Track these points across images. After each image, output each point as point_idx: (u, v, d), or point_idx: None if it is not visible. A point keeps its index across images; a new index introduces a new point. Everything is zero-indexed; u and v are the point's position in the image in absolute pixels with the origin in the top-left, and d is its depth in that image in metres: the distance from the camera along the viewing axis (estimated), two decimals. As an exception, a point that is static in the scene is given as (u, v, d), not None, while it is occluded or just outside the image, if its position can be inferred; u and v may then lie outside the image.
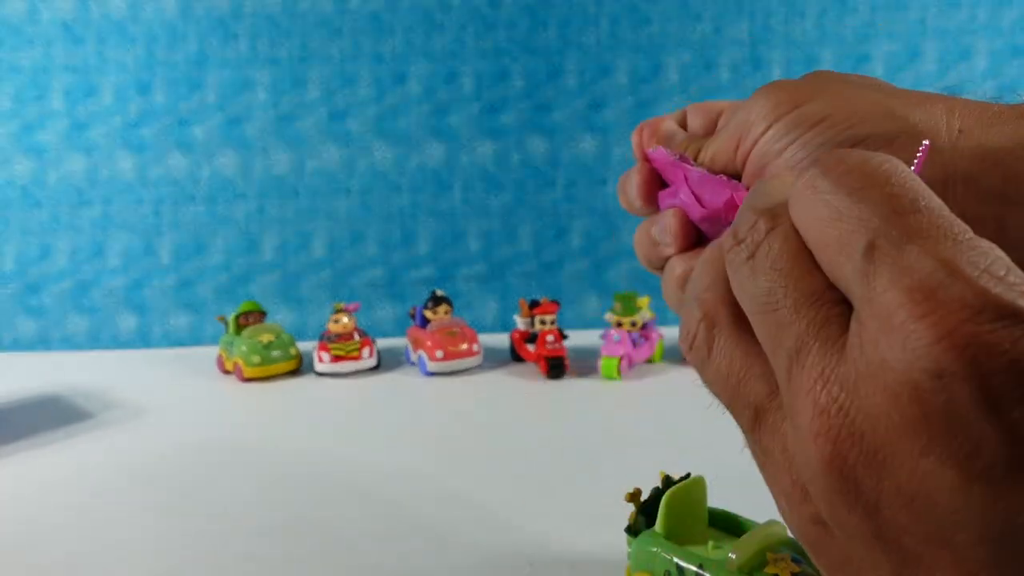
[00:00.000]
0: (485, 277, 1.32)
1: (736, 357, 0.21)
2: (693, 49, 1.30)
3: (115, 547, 0.58)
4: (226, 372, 1.08)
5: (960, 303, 0.16)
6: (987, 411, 0.15)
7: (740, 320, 0.21)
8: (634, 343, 1.01)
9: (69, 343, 1.29)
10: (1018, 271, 0.16)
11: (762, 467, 0.21)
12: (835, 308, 0.19)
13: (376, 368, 1.08)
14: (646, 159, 0.40)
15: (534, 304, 1.08)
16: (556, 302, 1.07)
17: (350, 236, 1.32)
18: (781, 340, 0.19)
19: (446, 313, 1.10)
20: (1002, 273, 0.16)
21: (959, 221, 0.17)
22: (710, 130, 0.39)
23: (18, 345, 1.29)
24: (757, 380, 0.21)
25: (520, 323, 1.09)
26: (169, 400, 0.97)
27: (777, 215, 0.21)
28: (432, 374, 1.03)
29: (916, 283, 0.16)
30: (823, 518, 0.18)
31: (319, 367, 1.05)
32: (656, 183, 0.39)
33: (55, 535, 0.60)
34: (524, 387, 0.98)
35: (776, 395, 0.20)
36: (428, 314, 1.10)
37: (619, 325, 1.03)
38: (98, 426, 0.88)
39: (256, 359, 1.03)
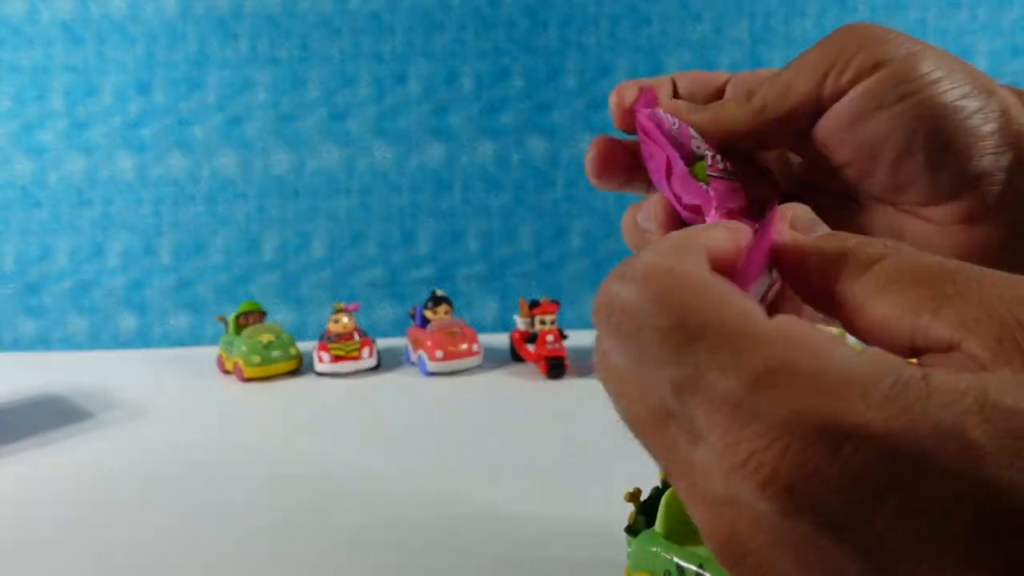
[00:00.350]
0: (485, 277, 1.32)
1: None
2: (693, 49, 1.30)
3: (115, 547, 0.58)
4: (226, 372, 1.08)
5: (767, 435, 0.14)
6: (833, 535, 0.14)
7: None
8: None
9: (69, 343, 1.29)
10: (834, 351, 0.15)
11: None
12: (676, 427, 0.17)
13: (376, 368, 1.08)
14: (626, 122, 0.34)
15: (534, 304, 1.08)
16: (556, 302, 1.07)
17: (350, 236, 1.32)
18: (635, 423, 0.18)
19: (446, 313, 1.10)
20: (807, 369, 0.15)
21: (749, 314, 0.16)
22: (709, 101, 0.33)
23: (18, 345, 1.29)
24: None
25: (520, 323, 1.09)
26: (169, 400, 0.97)
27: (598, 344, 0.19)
28: (432, 374, 1.03)
29: (726, 425, 0.15)
30: None
31: (319, 367, 1.05)
32: (615, 160, 0.34)
33: (55, 535, 0.60)
34: (524, 387, 0.98)
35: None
36: (428, 314, 1.10)
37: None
38: (98, 426, 0.87)
39: (256, 359, 1.03)
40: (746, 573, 0.16)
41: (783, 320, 0.16)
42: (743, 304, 0.16)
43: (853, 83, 0.28)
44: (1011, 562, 0.14)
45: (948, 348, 0.15)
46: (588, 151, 0.35)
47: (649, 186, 0.34)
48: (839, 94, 0.28)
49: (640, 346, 0.17)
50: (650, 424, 0.18)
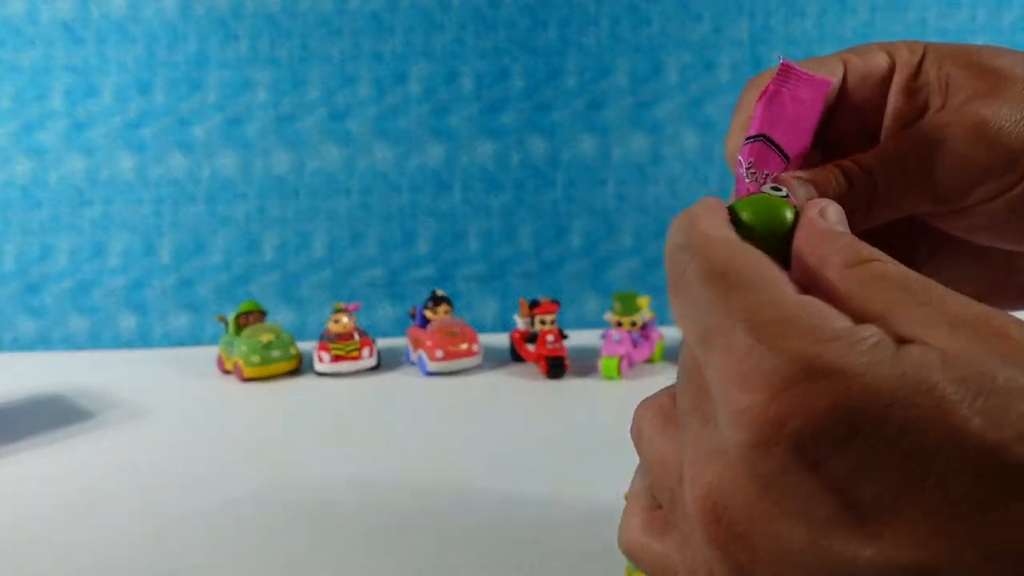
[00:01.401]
0: (485, 277, 1.32)
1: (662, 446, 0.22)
2: (693, 49, 1.30)
3: (115, 547, 0.58)
4: (226, 372, 1.08)
5: (772, 373, 0.16)
6: (807, 469, 0.16)
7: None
8: (634, 343, 1.01)
9: (69, 343, 1.29)
10: (837, 317, 0.18)
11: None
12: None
13: (376, 368, 1.08)
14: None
15: (534, 304, 1.08)
16: (556, 302, 1.07)
17: (350, 236, 1.32)
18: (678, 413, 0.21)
19: (446, 313, 1.10)
20: (815, 326, 0.17)
21: (781, 283, 0.19)
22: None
23: (18, 345, 1.29)
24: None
25: (520, 323, 1.09)
26: (169, 400, 0.97)
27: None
28: (432, 374, 1.03)
29: (735, 363, 0.17)
30: None
31: (319, 367, 1.05)
32: None
33: (55, 535, 0.60)
34: (524, 387, 0.98)
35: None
36: (428, 314, 1.10)
37: (619, 325, 1.03)
38: (98, 426, 0.88)
39: (256, 359, 1.03)
40: (721, 535, 0.18)
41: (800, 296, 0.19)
42: (770, 274, 0.19)
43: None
44: (973, 503, 0.15)
45: (909, 342, 0.17)
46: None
47: None
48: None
49: (681, 294, 0.20)
50: (687, 378, 0.21)
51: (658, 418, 0.23)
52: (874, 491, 0.16)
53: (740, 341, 0.17)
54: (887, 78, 0.29)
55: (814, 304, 0.18)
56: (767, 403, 0.16)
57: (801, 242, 0.22)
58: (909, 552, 0.15)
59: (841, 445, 0.16)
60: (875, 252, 0.20)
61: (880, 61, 0.30)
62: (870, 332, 0.17)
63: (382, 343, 1.18)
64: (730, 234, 0.21)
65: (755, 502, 0.17)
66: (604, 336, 1.02)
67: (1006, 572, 0.15)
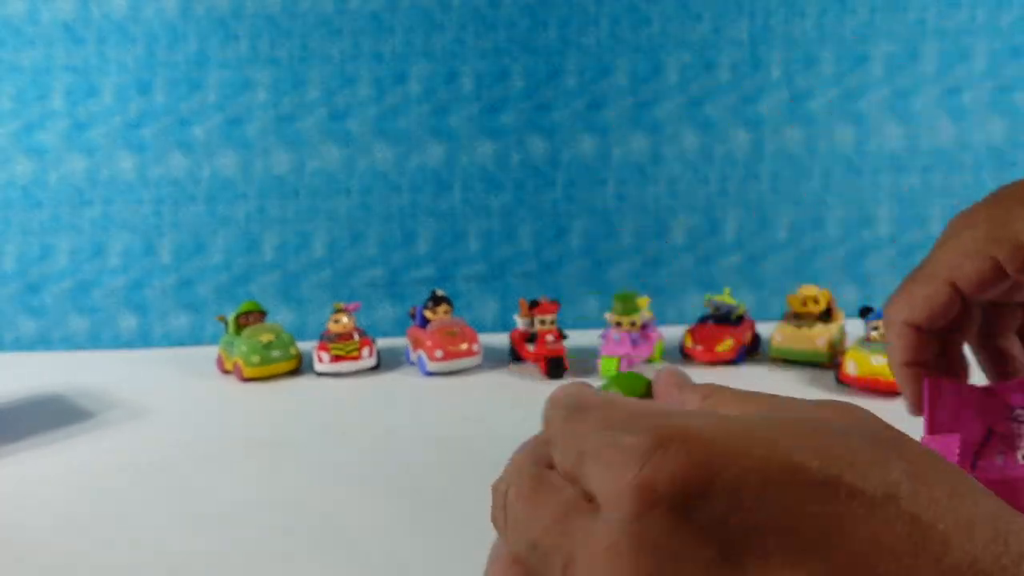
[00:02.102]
0: (485, 277, 1.32)
1: None
2: (693, 49, 1.30)
3: (115, 547, 0.58)
4: (226, 372, 1.08)
5: (632, 449, 0.19)
6: (688, 523, 0.18)
7: None
8: (633, 343, 1.01)
9: (69, 343, 1.29)
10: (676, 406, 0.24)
11: None
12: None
13: (376, 368, 1.08)
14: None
15: (534, 304, 1.08)
16: (556, 302, 1.07)
17: (350, 236, 1.32)
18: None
19: (446, 313, 1.10)
20: (660, 410, 0.21)
21: (629, 401, 0.24)
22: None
23: (19, 345, 1.29)
24: None
25: (520, 323, 1.09)
26: (169, 400, 0.97)
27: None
28: (432, 374, 1.03)
29: (604, 457, 0.20)
30: None
31: (319, 367, 1.05)
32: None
33: (55, 535, 0.60)
34: (524, 387, 0.98)
35: None
36: (428, 314, 1.09)
37: (618, 325, 1.03)
38: (98, 426, 0.88)
39: (256, 359, 1.03)
40: None
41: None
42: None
43: None
44: (820, 531, 0.17)
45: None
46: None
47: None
48: None
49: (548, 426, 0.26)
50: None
51: (527, 481, 0.24)
52: (741, 533, 0.17)
53: (602, 439, 0.20)
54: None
55: (657, 403, 0.24)
56: (635, 475, 0.18)
57: (658, 383, 0.28)
58: None
59: (706, 495, 0.17)
60: (705, 389, 0.25)
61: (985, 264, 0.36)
62: (704, 408, 0.22)
63: (382, 343, 1.18)
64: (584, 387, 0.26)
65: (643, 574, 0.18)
66: (604, 336, 1.02)
67: None
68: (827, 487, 0.17)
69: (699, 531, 0.17)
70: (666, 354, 1.09)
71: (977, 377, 0.39)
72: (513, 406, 0.91)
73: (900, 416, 0.82)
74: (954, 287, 0.36)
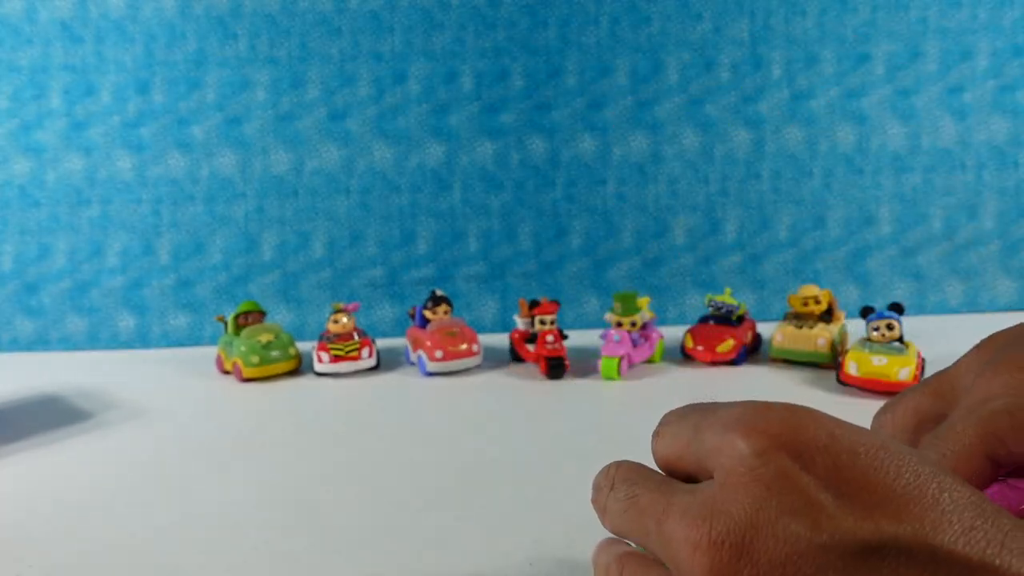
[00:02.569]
0: (485, 277, 1.32)
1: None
2: (693, 48, 1.30)
3: (115, 547, 0.57)
4: (225, 372, 1.07)
5: (766, 420, 0.22)
6: (804, 470, 0.21)
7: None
8: (634, 343, 1.01)
9: (68, 343, 1.29)
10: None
11: None
12: (680, 484, 0.25)
13: (376, 368, 1.07)
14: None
15: (534, 304, 1.08)
16: (556, 302, 1.07)
17: (350, 236, 1.32)
18: (645, 520, 0.24)
19: (446, 313, 1.10)
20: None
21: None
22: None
23: (16, 345, 1.28)
24: None
25: (520, 323, 1.08)
26: (168, 400, 0.97)
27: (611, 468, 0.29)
28: (432, 374, 1.03)
29: (726, 427, 0.23)
30: None
31: (319, 367, 1.05)
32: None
33: (55, 535, 0.60)
34: (524, 387, 0.98)
35: None
36: (428, 314, 1.09)
37: (619, 325, 1.02)
38: (98, 426, 0.87)
39: (255, 359, 1.03)
40: (722, 558, 0.21)
41: None
42: None
43: None
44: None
45: None
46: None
47: None
48: None
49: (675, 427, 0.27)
50: (656, 488, 0.26)
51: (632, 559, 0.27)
52: (853, 483, 0.21)
53: (725, 417, 0.24)
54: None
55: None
56: (761, 430, 0.22)
57: None
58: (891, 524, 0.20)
59: (821, 452, 0.21)
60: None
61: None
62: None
63: (382, 343, 1.17)
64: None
65: (760, 509, 0.21)
66: (604, 336, 1.02)
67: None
68: None
69: (816, 478, 0.21)
70: (666, 354, 1.08)
71: None
72: (513, 406, 0.90)
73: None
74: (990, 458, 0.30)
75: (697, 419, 0.25)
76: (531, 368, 1.05)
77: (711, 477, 0.23)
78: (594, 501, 0.28)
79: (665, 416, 0.28)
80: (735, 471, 0.22)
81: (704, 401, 0.27)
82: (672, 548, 0.22)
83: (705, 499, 0.22)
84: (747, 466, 0.21)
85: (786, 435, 0.22)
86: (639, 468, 0.27)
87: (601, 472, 0.29)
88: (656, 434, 0.28)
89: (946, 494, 0.21)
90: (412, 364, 1.09)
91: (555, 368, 0.99)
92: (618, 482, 0.27)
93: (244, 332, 1.06)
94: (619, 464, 0.28)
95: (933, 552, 0.20)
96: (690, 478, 0.25)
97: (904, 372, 0.85)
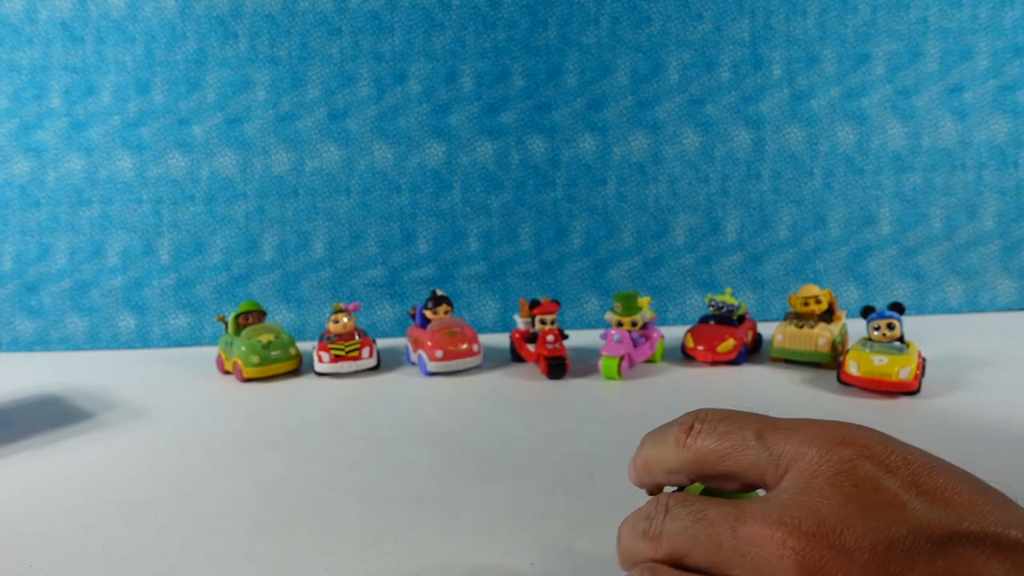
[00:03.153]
0: (485, 277, 1.32)
1: None
2: (694, 48, 1.30)
3: (115, 547, 0.57)
4: (226, 372, 1.07)
5: (824, 434, 0.26)
6: (885, 471, 0.24)
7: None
8: (634, 343, 1.01)
9: (68, 343, 1.29)
10: None
11: None
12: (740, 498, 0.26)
13: (376, 368, 1.07)
14: None
15: (534, 304, 1.08)
16: (557, 302, 1.07)
17: (350, 236, 1.32)
18: (717, 530, 0.25)
19: (446, 313, 1.10)
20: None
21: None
22: None
23: (16, 345, 1.28)
24: None
25: (520, 323, 1.08)
26: (169, 400, 0.96)
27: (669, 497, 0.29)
28: (432, 374, 1.03)
29: (806, 438, 0.26)
30: None
31: (319, 367, 1.05)
32: None
33: (55, 535, 0.60)
34: (524, 387, 0.97)
35: None
36: (428, 314, 1.09)
37: (619, 325, 1.02)
38: (98, 426, 0.87)
39: (256, 359, 1.03)
40: (812, 551, 0.22)
41: None
42: None
43: None
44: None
45: None
46: None
47: None
48: None
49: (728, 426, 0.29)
50: (720, 503, 0.27)
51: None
52: (930, 488, 0.24)
53: (789, 426, 0.27)
54: None
55: None
56: (848, 441, 0.25)
57: None
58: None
59: (900, 463, 0.24)
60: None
61: None
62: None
63: (382, 343, 1.17)
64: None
65: (843, 506, 0.23)
66: (604, 336, 1.02)
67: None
68: None
69: (899, 479, 0.23)
70: (667, 354, 1.08)
71: None
72: (513, 406, 0.90)
73: (901, 416, 0.82)
74: None
75: (757, 427, 0.27)
76: (532, 368, 1.05)
77: (762, 483, 0.26)
78: (644, 532, 0.28)
79: (699, 413, 0.29)
80: (822, 474, 0.24)
81: (743, 410, 0.29)
82: (754, 548, 0.24)
83: (785, 501, 0.24)
84: (835, 470, 0.24)
85: (871, 448, 0.24)
86: (689, 494, 0.28)
87: (647, 505, 0.29)
88: (688, 429, 0.29)
89: (1000, 498, 0.24)
90: (413, 364, 1.09)
91: (556, 368, 0.99)
92: (674, 505, 0.27)
93: (244, 332, 1.06)
94: (667, 494, 0.29)
95: (1004, 540, 0.22)
96: (723, 477, 0.27)
97: (905, 372, 0.85)
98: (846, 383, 0.90)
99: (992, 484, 0.25)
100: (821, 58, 1.29)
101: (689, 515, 0.26)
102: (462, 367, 1.04)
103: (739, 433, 0.27)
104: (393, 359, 1.12)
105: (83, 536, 0.60)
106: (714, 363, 1.03)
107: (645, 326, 1.05)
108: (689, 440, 0.29)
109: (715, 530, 0.25)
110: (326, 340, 1.06)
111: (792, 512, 0.23)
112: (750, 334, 1.07)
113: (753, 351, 1.08)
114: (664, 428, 0.30)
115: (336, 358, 1.04)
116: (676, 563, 0.27)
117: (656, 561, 0.27)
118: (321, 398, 0.97)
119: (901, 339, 0.91)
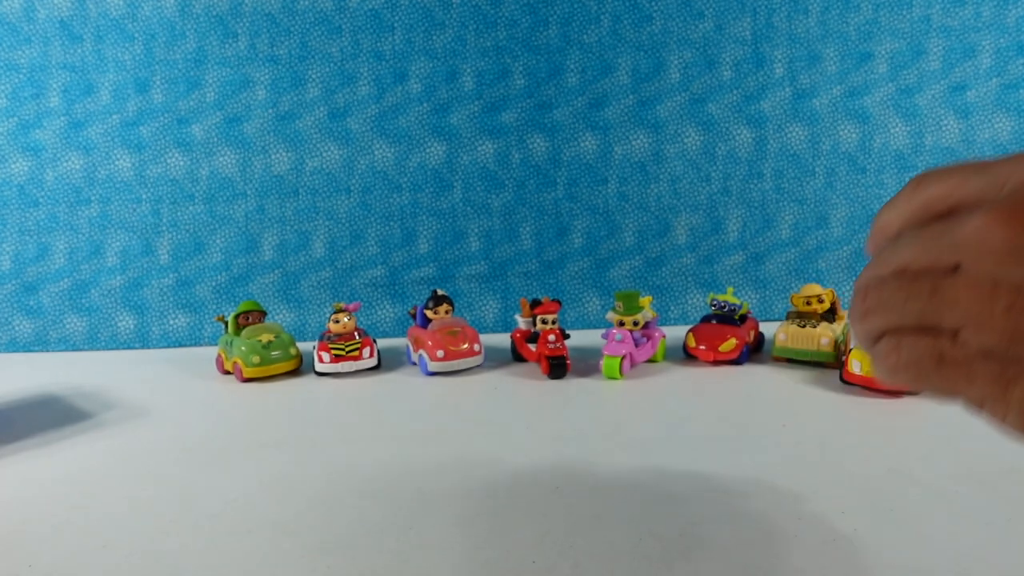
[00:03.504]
0: (486, 277, 1.31)
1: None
2: (695, 47, 1.29)
3: (114, 546, 0.57)
4: (225, 372, 1.07)
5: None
6: None
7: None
8: (636, 342, 1.00)
9: (67, 343, 1.28)
10: None
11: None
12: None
13: (376, 368, 1.07)
14: None
15: (535, 303, 1.08)
16: (558, 301, 1.07)
17: (350, 236, 1.31)
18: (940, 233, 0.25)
19: (447, 313, 1.09)
20: None
21: None
22: None
23: (15, 345, 1.28)
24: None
25: (521, 323, 1.08)
26: (168, 400, 0.96)
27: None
28: (433, 374, 1.03)
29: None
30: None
31: (319, 367, 1.04)
32: None
33: (55, 535, 0.59)
34: (525, 387, 0.97)
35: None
36: (429, 314, 1.09)
37: (621, 324, 1.02)
38: (97, 426, 0.87)
39: (256, 359, 1.02)
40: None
41: None
42: None
43: None
44: None
45: None
46: None
47: None
48: None
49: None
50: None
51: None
52: None
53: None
54: None
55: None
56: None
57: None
58: None
59: None
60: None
61: None
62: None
63: (382, 343, 1.17)
64: None
65: None
66: (606, 336, 1.01)
67: None
68: None
69: None
70: (669, 354, 1.08)
71: None
72: (515, 406, 0.90)
73: (904, 416, 0.81)
74: None
75: (975, 167, 0.27)
76: (533, 368, 1.04)
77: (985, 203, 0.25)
78: (883, 248, 0.28)
79: (920, 175, 0.29)
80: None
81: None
82: (966, 236, 0.24)
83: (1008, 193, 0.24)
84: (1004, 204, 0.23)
85: None
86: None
87: (873, 236, 0.29)
88: (916, 183, 0.29)
89: None
90: (413, 364, 1.08)
91: (557, 368, 0.99)
92: (906, 231, 0.28)
93: (244, 332, 1.06)
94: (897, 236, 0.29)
95: None
96: (944, 214, 0.27)
97: (909, 371, 0.85)
98: (849, 382, 0.89)
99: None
100: (823, 56, 1.28)
101: (923, 230, 0.27)
102: (463, 367, 1.03)
103: (960, 172, 0.27)
104: (394, 359, 1.12)
105: (83, 536, 0.59)
106: (716, 363, 1.02)
107: (647, 326, 1.04)
108: (918, 191, 0.29)
109: (939, 228, 0.26)
110: (326, 340, 1.06)
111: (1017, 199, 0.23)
112: (752, 334, 1.06)
113: (755, 351, 1.07)
114: (895, 196, 0.30)
115: (336, 358, 1.04)
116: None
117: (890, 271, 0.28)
118: (321, 398, 0.97)
119: (904, 338, 0.91)
